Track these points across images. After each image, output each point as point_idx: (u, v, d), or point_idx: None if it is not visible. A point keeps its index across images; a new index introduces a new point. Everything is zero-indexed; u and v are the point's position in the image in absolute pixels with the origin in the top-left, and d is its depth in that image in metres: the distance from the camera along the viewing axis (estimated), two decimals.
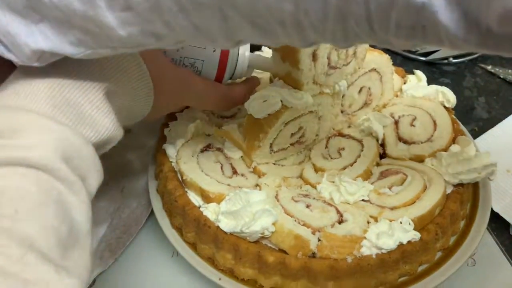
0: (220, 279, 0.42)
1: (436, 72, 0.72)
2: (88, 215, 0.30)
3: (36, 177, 0.27)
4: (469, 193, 0.47)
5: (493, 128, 0.61)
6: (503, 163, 0.54)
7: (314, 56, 0.43)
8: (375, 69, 0.50)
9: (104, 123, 0.32)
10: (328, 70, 0.45)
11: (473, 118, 0.64)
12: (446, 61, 0.73)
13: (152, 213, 0.50)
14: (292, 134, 0.47)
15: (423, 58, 0.73)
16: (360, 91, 0.50)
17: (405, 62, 0.74)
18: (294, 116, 0.45)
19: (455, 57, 0.73)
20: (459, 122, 0.53)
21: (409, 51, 0.74)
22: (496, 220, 0.51)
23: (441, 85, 0.54)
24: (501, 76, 0.70)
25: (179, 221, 0.45)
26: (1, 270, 0.23)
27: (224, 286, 0.42)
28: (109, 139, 0.34)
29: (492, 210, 0.50)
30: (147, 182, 0.51)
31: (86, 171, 0.30)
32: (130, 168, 0.56)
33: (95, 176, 0.31)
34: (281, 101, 0.44)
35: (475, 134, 0.60)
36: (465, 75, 0.72)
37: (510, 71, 0.71)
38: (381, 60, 0.50)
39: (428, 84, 0.56)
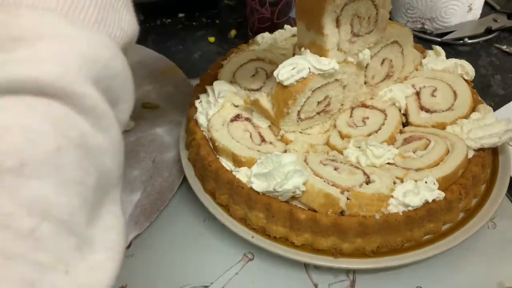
0: (253, 237, 0.44)
1: (451, 52, 0.73)
2: (120, 159, 0.23)
3: (49, 110, 0.20)
4: (489, 158, 0.48)
5: (510, 103, 0.62)
6: None
7: (337, 22, 0.45)
8: (396, 41, 0.52)
9: (127, 17, 0.24)
10: (352, 38, 0.47)
11: (489, 95, 0.66)
12: (461, 41, 0.74)
13: (183, 181, 0.53)
14: (319, 103, 0.49)
15: (438, 39, 0.74)
16: (382, 63, 0.52)
17: (420, 43, 0.75)
18: (321, 83, 0.47)
19: (470, 37, 0.74)
20: (478, 95, 0.54)
21: (424, 32, 0.76)
22: None
23: None
24: None
25: (212, 185, 0.47)
26: (4, 251, 0.17)
27: (257, 244, 0.44)
28: (131, 41, 0.26)
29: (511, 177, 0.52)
30: (178, 153, 0.53)
31: (119, 93, 0.23)
32: (160, 141, 0.58)
33: (128, 97, 0.24)
34: (309, 68, 0.46)
35: (493, 109, 0.61)
36: (481, 54, 0.73)
37: None
38: (402, 32, 0.52)
39: None
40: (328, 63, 0.46)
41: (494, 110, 0.61)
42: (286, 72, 0.46)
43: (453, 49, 0.74)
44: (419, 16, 0.76)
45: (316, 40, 0.46)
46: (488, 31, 0.75)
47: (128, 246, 0.48)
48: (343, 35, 0.46)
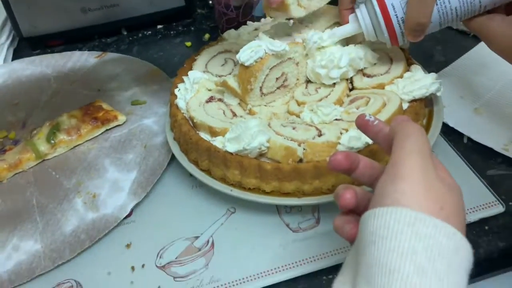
0: (231, 190, 0.53)
1: None
2: None
3: None
4: (422, 108, 0.58)
5: (446, 67, 0.73)
6: (457, 90, 0.67)
7: None
8: (338, 22, 0.62)
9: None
10: None
11: (432, 62, 0.76)
12: None
13: (172, 159, 0.62)
14: (277, 79, 0.59)
15: None
16: None
17: None
18: (276, 62, 0.57)
19: None
20: (413, 60, 0.64)
21: None
22: (451, 133, 0.62)
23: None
24: (454, 28, 0.82)
25: (195, 155, 0.56)
26: None
27: (235, 195, 0.53)
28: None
29: (448, 126, 0.62)
30: (165, 136, 0.63)
31: None
32: (149, 130, 0.68)
33: None
34: (264, 50, 0.56)
35: (436, 70, 0.71)
36: None
37: (461, 22, 0.82)
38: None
39: None
40: (280, 45, 0.56)
41: (438, 71, 0.72)
42: (246, 54, 0.56)
43: None
44: None
45: None
46: None
47: (130, 214, 0.57)
48: None
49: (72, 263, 0.53)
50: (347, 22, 0.58)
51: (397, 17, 0.52)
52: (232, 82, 0.58)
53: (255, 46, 0.56)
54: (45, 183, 0.62)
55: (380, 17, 0.53)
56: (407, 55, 0.63)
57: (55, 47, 0.92)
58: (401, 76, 0.59)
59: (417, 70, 0.58)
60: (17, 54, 0.92)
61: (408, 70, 0.60)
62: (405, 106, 0.56)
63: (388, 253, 0.29)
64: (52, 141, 0.65)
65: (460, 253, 0.30)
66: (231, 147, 0.52)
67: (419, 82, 0.56)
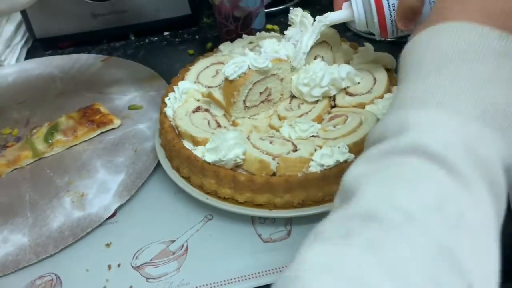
0: (207, 198, 0.56)
1: (396, 49, 0.84)
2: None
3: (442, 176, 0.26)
4: None
5: None
6: None
7: None
8: (325, 41, 0.64)
9: None
10: None
11: None
12: (406, 39, 0.85)
13: (158, 164, 0.65)
14: (261, 93, 0.61)
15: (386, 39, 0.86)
16: (315, 58, 0.64)
17: (374, 43, 0.87)
18: (260, 77, 0.59)
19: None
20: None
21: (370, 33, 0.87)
22: None
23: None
24: None
25: (177, 162, 0.59)
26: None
27: (210, 203, 0.55)
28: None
29: None
30: (154, 142, 0.66)
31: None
32: (142, 134, 0.71)
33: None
34: (248, 66, 0.58)
35: None
36: None
37: None
38: (330, 33, 0.64)
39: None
40: (263, 62, 0.58)
41: None
42: (230, 69, 0.58)
43: (400, 45, 0.85)
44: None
45: None
46: None
47: (114, 214, 0.60)
48: None
49: (54, 258, 0.56)
50: (341, 9, 0.59)
51: (388, 2, 0.53)
52: (218, 94, 0.61)
53: (240, 61, 0.58)
54: (39, 180, 0.66)
55: (372, 2, 0.54)
56: (392, 76, 0.64)
57: (65, 48, 0.97)
58: (381, 97, 0.61)
59: None
60: (30, 54, 0.97)
61: (390, 91, 0.62)
62: None
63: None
64: (50, 141, 0.69)
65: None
66: (209, 157, 0.55)
67: None
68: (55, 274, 0.55)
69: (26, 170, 0.68)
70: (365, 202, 0.27)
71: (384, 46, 0.82)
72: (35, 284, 0.54)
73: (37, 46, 0.98)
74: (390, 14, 0.54)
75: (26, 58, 0.95)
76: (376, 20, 0.54)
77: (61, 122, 0.71)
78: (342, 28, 0.91)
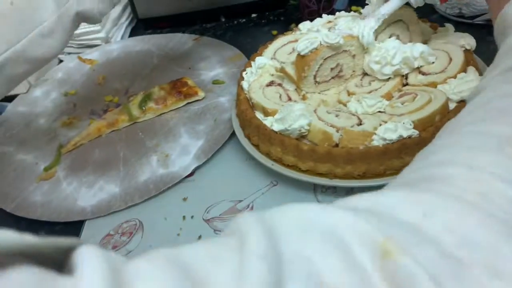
0: (272, 165, 0.60)
1: (484, 32, 0.81)
2: None
3: None
4: None
5: None
6: None
7: None
8: (401, 20, 0.64)
9: None
10: None
11: None
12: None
13: (233, 134, 0.70)
14: (332, 69, 0.63)
15: (471, 21, 0.82)
16: (389, 37, 0.65)
17: (457, 26, 0.83)
18: (331, 53, 0.61)
19: None
20: (478, 60, 0.63)
21: (462, 17, 0.84)
22: None
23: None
24: None
25: (248, 130, 0.64)
26: None
27: (275, 169, 0.60)
28: None
29: None
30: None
31: None
32: (222, 106, 0.77)
33: None
34: (320, 42, 0.61)
35: None
36: None
37: None
38: (406, 12, 0.64)
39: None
40: (334, 38, 0.60)
41: None
42: (302, 45, 0.61)
43: (484, 28, 0.81)
44: (456, 2, 0.84)
45: None
46: None
47: (192, 174, 0.67)
48: None
49: (139, 206, 0.65)
50: None
51: None
52: (290, 69, 0.65)
53: (312, 37, 0.61)
54: (132, 141, 0.75)
55: None
56: (468, 56, 0.62)
57: (163, 28, 1.06)
58: (454, 76, 0.60)
59: (471, 72, 0.59)
60: (133, 32, 1.08)
61: (465, 71, 0.60)
62: (452, 106, 0.57)
63: None
64: (143, 108, 0.78)
65: None
66: (277, 127, 0.59)
67: (470, 83, 0.57)
68: (139, 220, 0.63)
69: (122, 132, 0.78)
70: None
71: (464, 27, 0.79)
72: (122, 227, 0.63)
73: (140, 26, 1.09)
74: None
75: (129, 36, 1.06)
76: None
77: (154, 92, 0.80)
78: (430, 10, 0.89)
